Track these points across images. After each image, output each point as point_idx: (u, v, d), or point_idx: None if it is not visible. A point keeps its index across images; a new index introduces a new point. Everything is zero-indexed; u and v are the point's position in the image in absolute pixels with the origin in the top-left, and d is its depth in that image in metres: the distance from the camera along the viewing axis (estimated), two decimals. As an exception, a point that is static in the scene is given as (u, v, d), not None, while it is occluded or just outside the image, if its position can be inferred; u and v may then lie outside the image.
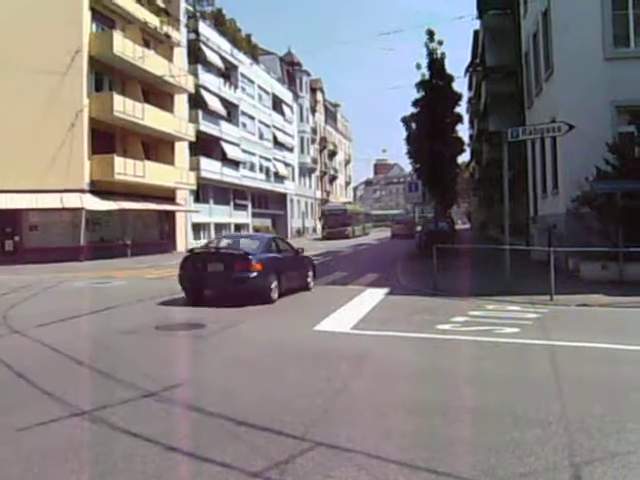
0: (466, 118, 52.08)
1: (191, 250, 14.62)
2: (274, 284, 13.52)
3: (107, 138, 32.04)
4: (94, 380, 6.89)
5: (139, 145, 34.50)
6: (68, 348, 8.36)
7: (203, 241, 43.21)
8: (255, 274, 13.00)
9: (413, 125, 29.23)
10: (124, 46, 31.17)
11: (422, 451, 4.57)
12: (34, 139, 27.39)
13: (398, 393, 6.29)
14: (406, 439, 4.91)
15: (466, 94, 52.02)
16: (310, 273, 16.07)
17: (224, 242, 15.87)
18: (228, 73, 49.15)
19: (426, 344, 8.81)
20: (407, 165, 52.25)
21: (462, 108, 38.25)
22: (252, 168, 54.20)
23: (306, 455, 4.50)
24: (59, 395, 6.07)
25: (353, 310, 11.99)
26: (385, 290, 15.15)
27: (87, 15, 30.32)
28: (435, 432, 5.01)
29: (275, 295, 13.53)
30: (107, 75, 32.61)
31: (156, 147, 37.28)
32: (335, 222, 56.72)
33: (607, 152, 16.04)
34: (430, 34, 26.52)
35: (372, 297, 13.94)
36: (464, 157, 60.83)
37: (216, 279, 13.36)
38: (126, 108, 31.04)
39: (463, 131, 57.58)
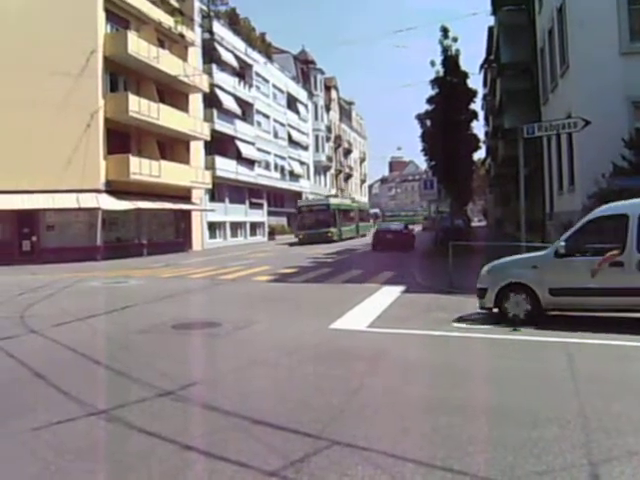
0: (481, 115, 51.70)
1: (377, 230, 36.81)
2: (410, 243, 33.90)
3: (122, 138, 32.20)
4: (111, 379, 6.93)
5: (154, 145, 34.63)
6: (85, 347, 8.43)
7: (219, 240, 43.68)
8: (406, 238, 34.04)
9: (428, 122, 29.18)
10: (139, 46, 31.31)
11: (439, 450, 4.54)
12: (50, 140, 27.58)
13: (415, 391, 6.27)
14: (423, 438, 4.89)
15: (481, 91, 51.77)
16: (414, 241, 35.26)
17: (385, 225, 38.60)
18: (243, 72, 49.19)
19: (442, 342, 8.78)
20: (422, 162, 51.95)
21: (477, 105, 38.09)
22: (267, 167, 54.25)
23: (322, 454, 4.49)
24: (76, 394, 6.11)
25: (369, 308, 11.97)
26: (401, 288, 15.12)
27: (101, 16, 30.50)
28: (452, 430, 4.97)
29: (411, 249, 32.22)
30: (122, 75, 32.79)
31: (171, 146, 37.43)
32: (314, 221, 44.19)
33: (623, 148, 15.88)
34: (444, 31, 26.48)
35: (388, 295, 13.90)
36: (480, 154, 60.71)
37: (388, 241, 33.08)
38: (141, 108, 31.16)
39: (478, 128, 57.45)
